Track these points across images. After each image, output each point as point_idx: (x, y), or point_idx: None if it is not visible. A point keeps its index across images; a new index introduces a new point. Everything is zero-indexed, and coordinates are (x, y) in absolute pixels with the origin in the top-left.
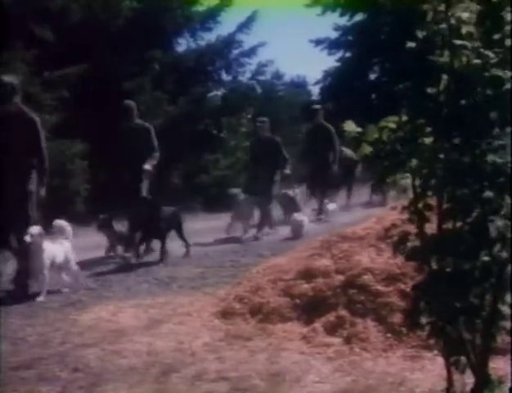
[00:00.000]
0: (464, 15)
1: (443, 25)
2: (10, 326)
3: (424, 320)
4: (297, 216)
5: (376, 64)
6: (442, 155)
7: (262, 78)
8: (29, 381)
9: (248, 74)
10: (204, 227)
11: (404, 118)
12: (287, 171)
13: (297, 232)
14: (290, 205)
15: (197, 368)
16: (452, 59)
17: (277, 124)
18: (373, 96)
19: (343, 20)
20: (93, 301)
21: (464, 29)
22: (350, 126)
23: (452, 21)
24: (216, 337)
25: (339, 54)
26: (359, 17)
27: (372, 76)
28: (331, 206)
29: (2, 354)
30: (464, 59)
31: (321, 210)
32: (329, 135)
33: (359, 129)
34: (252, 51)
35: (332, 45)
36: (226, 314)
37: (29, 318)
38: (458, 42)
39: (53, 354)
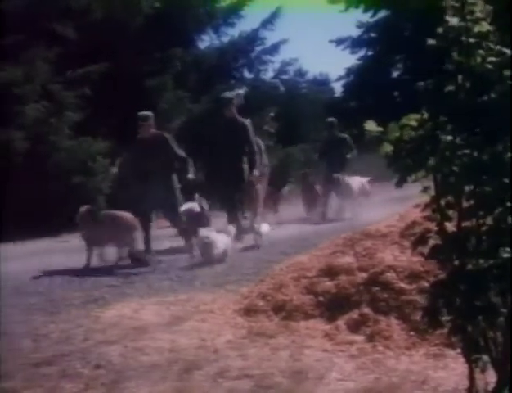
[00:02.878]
0: (480, 13)
1: (459, 23)
2: (32, 322)
3: (443, 318)
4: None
5: (399, 61)
6: (461, 153)
7: (285, 77)
8: (52, 377)
9: (271, 73)
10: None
11: (425, 116)
12: (190, 175)
13: (206, 255)
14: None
15: (220, 366)
16: (468, 57)
17: (300, 122)
18: (396, 93)
19: (366, 17)
20: (115, 298)
21: (480, 27)
22: (371, 126)
23: (468, 18)
24: (239, 335)
25: (362, 52)
26: (382, 14)
27: (395, 74)
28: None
29: (24, 351)
30: (478, 58)
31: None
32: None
33: (380, 129)
34: (274, 49)
35: (354, 44)
36: (249, 312)
37: (51, 315)
38: (473, 40)
39: (75, 351)
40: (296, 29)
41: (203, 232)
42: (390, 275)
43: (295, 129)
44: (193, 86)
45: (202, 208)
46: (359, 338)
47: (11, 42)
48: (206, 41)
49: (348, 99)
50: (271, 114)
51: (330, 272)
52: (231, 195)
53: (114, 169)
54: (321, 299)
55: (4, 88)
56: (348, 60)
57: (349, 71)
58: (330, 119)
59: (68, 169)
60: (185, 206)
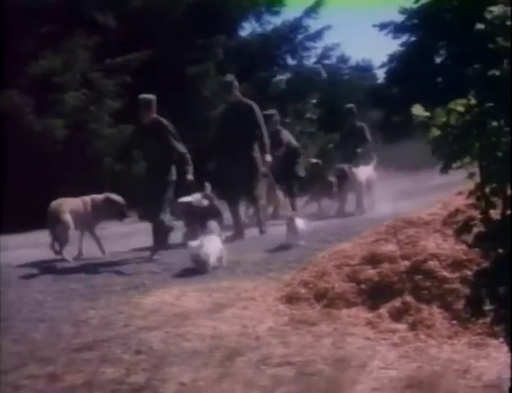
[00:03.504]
0: None
1: (505, 7)
2: (72, 308)
3: (486, 307)
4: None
5: (442, 47)
6: (507, 139)
7: (327, 62)
8: (92, 362)
9: (313, 59)
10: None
11: (472, 101)
12: (189, 176)
13: (199, 266)
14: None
15: (262, 353)
16: None
17: (342, 109)
18: (438, 80)
19: (409, 3)
20: (157, 285)
21: None
22: (418, 110)
23: None
24: (280, 322)
25: (404, 38)
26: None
27: (438, 60)
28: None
29: (65, 336)
30: None
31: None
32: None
33: (427, 114)
34: (317, 35)
35: (397, 29)
36: (290, 299)
37: (92, 301)
38: None
39: (116, 337)
40: (339, 15)
41: (194, 241)
42: (433, 263)
43: (337, 116)
44: (235, 73)
45: (212, 200)
46: (401, 326)
47: (51, 30)
48: (248, 29)
49: (391, 86)
50: (314, 100)
51: (373, 260)
52: (238, 187)
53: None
54: (363, 287)
55: (44, 77)
56: (391, 46)
57: (392, 58)
58: (349, 105)
59: (108, 157)
60: (185, 199)
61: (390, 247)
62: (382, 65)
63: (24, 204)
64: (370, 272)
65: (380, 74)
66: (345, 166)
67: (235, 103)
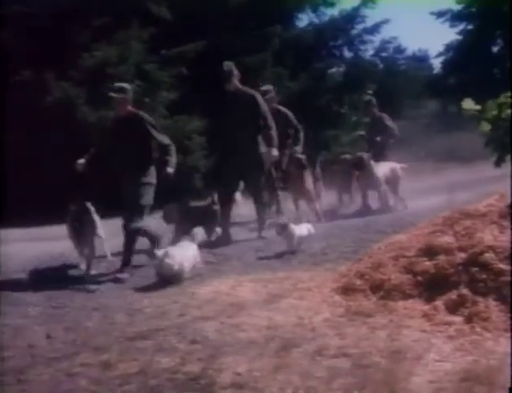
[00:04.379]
0: None
1: None
2: (126, 298)
3: None
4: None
5: (499, 36)
6: None
7: (384, 54)
8: (147, 351)
9: (370, 51)
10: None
11: None
12: (170, 169)
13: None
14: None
15: (318, 344)
16: None
17: (398, 100)
18: (495, 70)
19: None
20: (212, 275)
21: None
22: (468, 104)
23: None
24: (336, 313)
25: (461, 26)
26: None
27: (495, 49)
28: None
29: (119, 325)
30: None
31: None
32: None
33: (477, 107)
34: (375, 28)
35: (454, 17)
36: (346, 290)
37: (146, 291)
38: None
39: (171, 326)
40: (396, 4)
41: (160, 250)
42: (489, 256)
43: (394, 107)
44: (292, 64)
45: (211, 202)
46: (457, 319)
47: (105, 22)
48: (305, 20)
49: (448, 76)
50: (370, 91)
51: (429, 251)
52: (237, 185)
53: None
54: (419, 278)
55: (98, 68)
56: (448, 35)
57: (449, 47)
58: (367, 97)
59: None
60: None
61: (446, 239)
62: (438, 55)
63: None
64: (427, 264)
65: (437, 64)
66: (364, 154)
67: (234, 93)
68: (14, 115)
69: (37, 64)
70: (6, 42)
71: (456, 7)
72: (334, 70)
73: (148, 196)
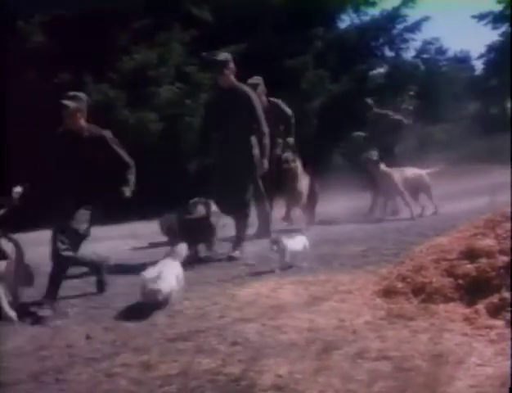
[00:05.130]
0: None
1: None
2: None
3: None
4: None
5: None
6: None
7: (426, 55)
8: (187, 352)
9: (412, 52)
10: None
11: None
12: (127, 191)
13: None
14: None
15: (359, 346)
16: None
17: (440, 101)
18: None
19: None
20: (253, 277)
21: None
22: None
23: None
24: (377, 316)
25: (503, 28)
26: None
27: None
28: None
29: (159, 326)
30: None
31: None
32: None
33: None
34: (416, 26)
35: (496, 19)
36: (388, 293)
37: (186, 292)
38: None
39: (211, 328)
40: (437, 6)
41: (146, 271)
42: None
43: (435, 108)
44: (333, 66)
45: (207, 213)
46: (499, 323)
47: (145, 25)
48: (346, 21)
49: (489, 77)
50: (411, 92)
51: (471, 254)
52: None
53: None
54: (460, 282)
55: (138, 71)
56: (490, 36)
57: (490, 48)
58: (367, 99)
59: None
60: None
61: (488, 242)
62: (480, 56)
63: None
64: (468, 267)
65: (478, 66)
66: (372, 154)
67: (227, 89)
68: (54, 116)
69: (76, 66)
70: (45, 46)
71: (498, 8)
72: (375, 71)
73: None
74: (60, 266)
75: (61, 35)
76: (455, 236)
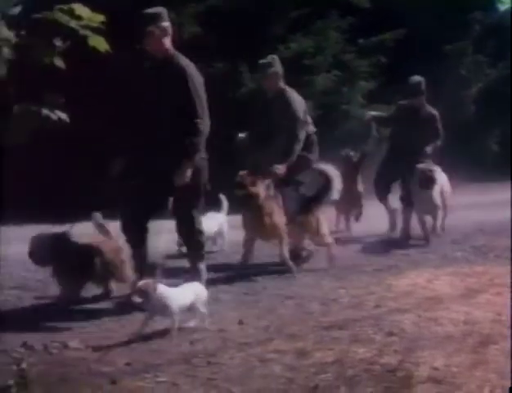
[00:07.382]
0: None
1: None
2: (321, 288)
3: None
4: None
5: None
6: None
7: None
8: (343, 341)
9: None
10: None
11: None
12: None
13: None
14: None
15: None
16: None
17: None
18: None
19: None
20: (409, 267)
21: None
22: None
23: None
24: None
25: None
26: None
27: None
28: None
29: (314, 314)
30: None
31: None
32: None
33: None
34: None
35: None
36: None
37: (341, 281)
38: None
39: (367, 317)
40: None
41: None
42: None
43: None
44: (491, 51)
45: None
46: None
47: (301, 14)
48: (505, 3)
49: None
50: None
51: None
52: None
53: None
54: None
55: (294, 60)
56: None
57: None
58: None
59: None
60: None
61: None
62: None
63: None
64: None
65: None
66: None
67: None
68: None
69: (231, 56)
70: (200, 36)
71: None
72: None
73: None
74: None
75: (216, 26)
76: None
